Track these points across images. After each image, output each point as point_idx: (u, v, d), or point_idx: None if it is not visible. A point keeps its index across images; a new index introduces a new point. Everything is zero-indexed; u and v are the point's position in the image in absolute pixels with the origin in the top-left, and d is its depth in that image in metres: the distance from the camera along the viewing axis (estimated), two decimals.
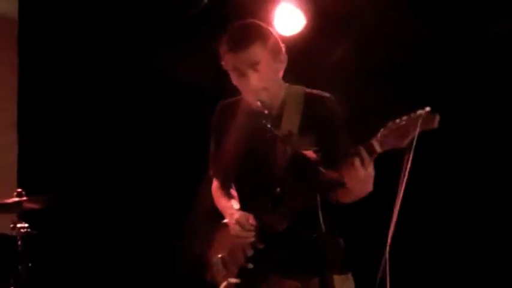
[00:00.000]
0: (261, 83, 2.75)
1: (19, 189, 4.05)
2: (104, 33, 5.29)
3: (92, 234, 5.00)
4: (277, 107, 2.84)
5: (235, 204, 2.97)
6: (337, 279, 2.64)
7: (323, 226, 2.39)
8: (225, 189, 3.10)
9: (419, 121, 2.22)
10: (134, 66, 5.29)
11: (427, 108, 2.23)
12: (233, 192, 3.07)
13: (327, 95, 2.88)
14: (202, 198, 4.41)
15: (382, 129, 2.37)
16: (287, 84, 2.93)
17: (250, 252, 2.78)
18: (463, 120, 4.41)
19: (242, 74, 2.77)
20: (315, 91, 2.90)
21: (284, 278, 2.76)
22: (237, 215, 2.83)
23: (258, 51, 2.74)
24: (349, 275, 2.83)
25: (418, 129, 2.21)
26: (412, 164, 2.21)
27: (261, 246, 2.75)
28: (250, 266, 2.78)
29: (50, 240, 4.69)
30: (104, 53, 5.31)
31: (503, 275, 4.45)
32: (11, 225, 3.99)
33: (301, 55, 4.33)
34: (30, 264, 3.95)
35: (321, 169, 2.43)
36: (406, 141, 2.26)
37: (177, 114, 5.33)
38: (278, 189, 2.70)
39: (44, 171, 4.94)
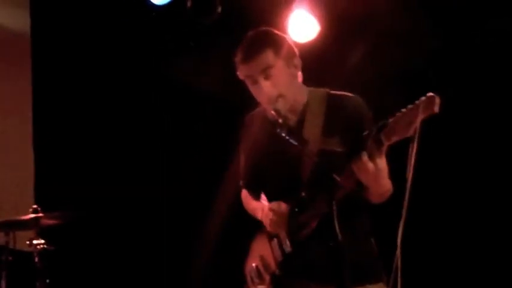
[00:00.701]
0: (274, 90, 2.74)
1: (35, 206, 4.02)
2: (118, 47, 5.30)
3: (108, 250, 5.03)
4: (299, 112, 2.84)
5: (265, 203, 2.99)
6: None
7: (339, 234, 2.36)
8: (255, 197, 3.13)
9: (421, 107, 2.18)
10: (149, 77, 5.29)
11: (428, 94, 2.19)
12: (263, 196, 3.08)
13: (352, 95, 2.86)
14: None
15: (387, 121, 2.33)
16: (310, 88, 2.92)
17: (280, 258, 2.78)
18: (478, 121, 4.45)
19: (254, 82, 2.78)
20: (339, 92, 2.89)
21: (314, 282, 2.75)
22: (266, 208, 2.86)
23: (268, 58, 2.75)
24: (381, 284, 2.77)
25: (420, 116, 2.17)
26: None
27: (288, 249, 2.74)
28: (278, 272, 2.78)
29: (67, 256, 4.68)
30: (118, 66, 5.31)
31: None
32: (28, 242, 3.95)
33: (317, 61, 4.33)
34: (48, 281, 3.92)
35: (336, 177, 2.42)
36: (411, 130, 2.21)
37: (192, 126, 5.31)
38: (303, 194, 2.70)
39: (61, 187, 4.94)
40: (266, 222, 2.86)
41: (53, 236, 4.00)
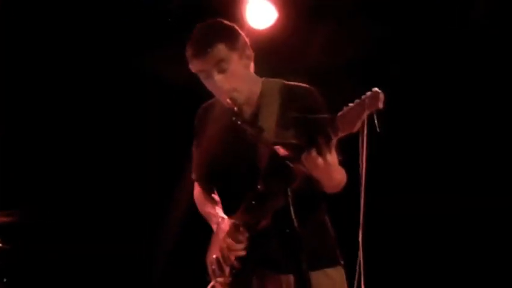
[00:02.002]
0: (228, 83, 2.71)
1: None
2: (84, 41, 5.18)
3: (66, 249, 4.96)
4: (254, 103, 2.81)
5: (220, 212, 2.95)
6: (325, 272, 2.72)
7: (295, 221, 2.37)
8: (207, 193, 3.08)
9: (366, 103, 2.18)
10: (119, 71, 5.22)
11: (374, 89, 2.19)
12: (216, 197, 3.04)
13: (306, 85, 2.84)
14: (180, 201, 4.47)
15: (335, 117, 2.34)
16: (264, 78, 2.89)
17: (241, 253, 2.75)
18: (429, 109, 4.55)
19: (208, 76, 2.74)
20: (293, 83, 2.87)
21: (275, 272, 2.75)
22: (225, 225, 2.82)
23: (220, 52, 2.70)
24: (339, 268, 2.82)
25: (366, 112, 2.17)
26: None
27: (245, 244, 2.72)
28: (236, 264, 2.75)
29: (24, 255, 4.62)
30: (85, 60, 5.21)
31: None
32: None
33: (276, 48, 4.32)
34: (5, 280, 3.85)
35: (289, 164, 2.41)
36: (357, 126, 2.22)
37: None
38: (259, 186, 2.67)
39: (15, 184, 4.85)
40: (223, 243, 2.80)
41: (8, 235, 3.94)
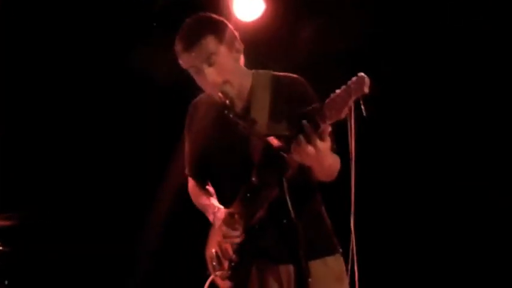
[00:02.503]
0: (219, 77, 2.70)
1: None
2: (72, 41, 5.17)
3: (65, 249, 4.96)
4: (245, 96, 2.81)
5: (215, 202, 2.96)
6: (324, 261, 2.74)
7: (292, 211, 2.35)
8: (201, 187, 3.09)
9: (352, 89, 2.16)
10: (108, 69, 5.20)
11: (359, 74, 2.17)
12: (210, 188, 3.05)
13: (295, 76, 2.84)
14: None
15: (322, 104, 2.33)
16: (253, 71, 2.89)
17: (235, 244, 2.77)
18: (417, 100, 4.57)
19: (198, 71, 2.74)
20: (282, 74, 2.86)
21: (274, 263, 2.76)
22: (221, 214, 2.83)
23: (209, 45, 2.70)
24: (338, 255, 2.82)
25: (352, 97, 2.15)
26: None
27: (242, 237, 2.73)
28: (235, 257, 2.77)
29: (25, 257, 4.63)
30: (75, 60, 5.21)
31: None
32: None
33: (263, 40, 4.32)
34: (6, 282, 3.87)
35: (284, 155, 2.40)
36: (344, 112, 2.21)
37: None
38: (254, 179, 2.67)
39: (14, 187, 4.85)
40: (219, 232, 2.82)
41: (8, 237, 3.96)
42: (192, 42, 2.70)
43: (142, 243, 5.00)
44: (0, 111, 5.05)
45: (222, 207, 2.87)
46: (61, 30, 5.06)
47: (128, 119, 5.26)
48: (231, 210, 2.79)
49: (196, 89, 2.90)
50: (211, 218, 2.91)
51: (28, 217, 4.02)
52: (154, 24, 4.98)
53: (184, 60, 2.75)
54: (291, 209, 2.36)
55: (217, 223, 2.83)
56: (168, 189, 4.72)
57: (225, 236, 2.76)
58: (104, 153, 5.24)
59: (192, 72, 2.78)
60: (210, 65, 2.70)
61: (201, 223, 3.01)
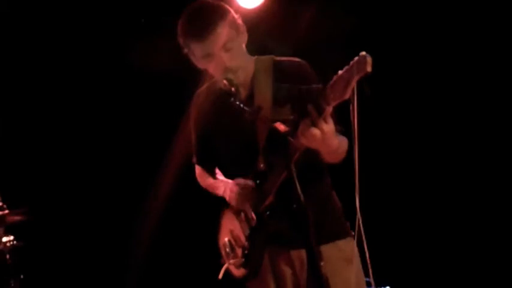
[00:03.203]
0: (234, 62, 2.70)
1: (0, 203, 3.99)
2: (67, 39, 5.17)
3: (77, 241, 5.05)
4: (249, 82, 2.81)
5: (223, 178, 2.98)
6: (335, 245, 2.76)
7: (301, 196, 2.34)
8: (209, 172, 3.11)
9: (354, 68, 2.14)
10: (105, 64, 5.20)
11: (361, 53, 2.14)
12: (218, 172, 3.08)
13: (297, 59, 2.83)
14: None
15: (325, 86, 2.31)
16: (255, 56, 2.88)
17: (247, 231, 2.79)
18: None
19: (212, 57, 2.71)
20: (284, 58, 2.86)
21: (286, 249, 2.78)
22: (231, 183, 2.85)
23: (223, 31, 2.67)
24: (349, 239, 2.82)
25: (355, 77, 2.13)
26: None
27: (253, 223, 2.75)
28: (247, 244, 2.78)
29: (38, 251, 4.66)
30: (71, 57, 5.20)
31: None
32: None
33: (265, 26, 4.31)
34: (22, 276, 3.90)
35: (290, 139, 2.39)
36: (348, 92, 2.18)
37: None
38: (262, 165, 2.69)
39: (26, 182, 4.89)
40: (231, 197, 2.85)
41: (22, 232, 3.96)
42: (206, 30, 2.66)
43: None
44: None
45: (232, 180, 2.88)
46: (57, 26, 5.05)
47: (126, 113, 5.27)
48: (240, 181, 2.80)
49: (191, 81, 2.91)
50: (221, 190, 2.93)
51: (39, 211, 4.02)
52: (142, 20, 4.94)
53: (197, 50, 2.72)
54: (300, 193, 2.34)
55: (229, 192, 2.85)
56: (167, 175, 4.81)
57: (239, 219, 2.79)
58: (101, 150, 5.27)
59: (204, 60, 2.74)
60: (227, 50, 2.68)
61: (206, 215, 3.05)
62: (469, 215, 4.61)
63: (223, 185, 2.94)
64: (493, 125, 4.61)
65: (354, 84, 2.14)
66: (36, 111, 5.17)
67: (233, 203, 2.85)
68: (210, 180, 3.07)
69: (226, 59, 2.68)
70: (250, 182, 2.75)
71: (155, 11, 4.93)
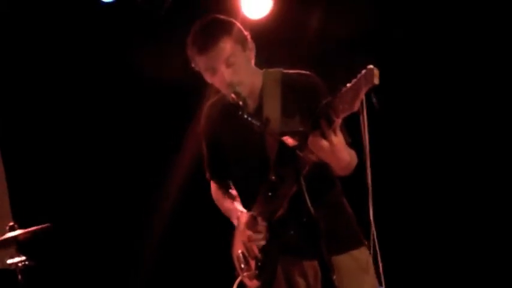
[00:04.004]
0: (236, 77, 2.72)
1: (11, 223, 4.01)
2: (74, 51, 5.17)
3: (89, 258, 5.05)
4: (257, 95, 2.83)
5: (239, 206, 2.98)
6: (350, 255, 2.77)
7: (311, 209, 2.36)
8: (224, 189, 3.11)
9: (362, 81, 2.16)
10: (111, 76, 5.20)
11: (369, 67, 2.17)
12: (233, 191, 3.07)
13: (305, 72, 2.84)
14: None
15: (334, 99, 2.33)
16: (263, 70, 2.90)
17: (262, 243, 2.78)
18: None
19: (216, 72, 2.74)
20: (292, 71, 2.87)
21: (299, 259, 2.78)
22: (244, 217, 2.85)
23: (226, 46, 2.71)
24: (363, 248, 2.82)
25: (363, 90, 2.15)
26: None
27: (266, 235, 2.75)
28: (260, 256, 2.78)
29: (49, 269, 4.66)
30: (78, 71, 5.22)
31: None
32: (8, 261, 3.93)
33: (272, 37, 4.31)
34: None
35: (299, 153, 2.41)
36: (357, 104, 2.20)
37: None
38: (273, 177, 2.68)
39: (37, 201, 4.91)
40: (244, 236, 2.84)
41: (33, 251, 3.97)
42: (209, 44, 2.71)
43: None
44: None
45: (245, 210, 2.89)
46: (61, 33, 5.07)
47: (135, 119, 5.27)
48: (253, 212, 2.80)
49: (199, 90, 2.91)
50: (235, 222, 2.94)
51: (50, 230, 4.02)
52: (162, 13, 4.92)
53: (200, 63, 2.77)
54: (310, 206, 2.36)
55: (241, 227, 2.85)
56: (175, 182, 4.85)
57: (250, 240, 2.78)
58: (106, 154, 5.26)
59: (207, 73, 2.78)
60: (228, 66, 2.72)
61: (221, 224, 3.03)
62: (481, 225, 4.57)
63: (236, 215, 2.94)
64: (504, 137, 4.55)
65: (362, 96, 2.17)
66: (47, 127, 5.19)
67: (245, 236, 2.84)
68: (226, 204, 3.07)
69: (227, 74, 2.71)
70: (259, 225, 2.75)
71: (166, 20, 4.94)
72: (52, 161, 5.17)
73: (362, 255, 2.80)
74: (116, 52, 5.09)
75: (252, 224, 2.78)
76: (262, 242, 2.74)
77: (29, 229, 4.00)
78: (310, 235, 2.37)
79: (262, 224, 2.74)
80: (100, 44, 5.11)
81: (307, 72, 2.84)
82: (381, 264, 2.28)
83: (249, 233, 2.77)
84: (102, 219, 5.15)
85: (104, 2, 4.77)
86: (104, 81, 5.20)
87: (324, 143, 2.36)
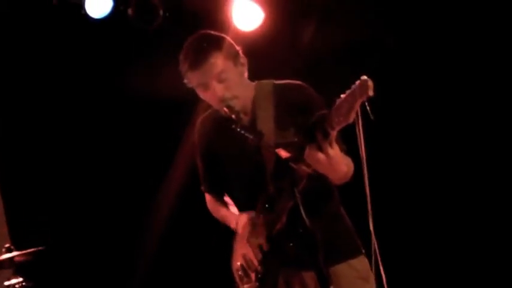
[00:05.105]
0: (229, 92, 2.74)
1: (7, 245, 4.00)
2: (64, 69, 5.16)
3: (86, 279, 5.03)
4: (250, 108, 2.83)
5: (235, 210, 2.99)
6: (348, 264, 2.77)
7: (307, 220, 2.39)
8: (218, 200, 3.12)
9: (356, 93, 2.15)
10: (104, 93, 5.19)
11: (362, 78, 2.16)
12: (227, 199, 3.08)
13: (297, 82, 2.85)
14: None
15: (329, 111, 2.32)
16: (256, 82, 2.90)
17: (259, 256, 2.78)
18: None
19: (207, 87, 2.75)
20: (284, 81, 2.88)
21: (298, 270, 2.76)
22: (242, 221, 2.86)
23: (217, 62, 2.73)
24: (362, 257, 2.83)
25: (358, 101, 2.15)
26: None
27: (265, 248, 2.74)
28: (260, 268, 2.78)
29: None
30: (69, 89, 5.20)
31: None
32: (5, 283, 3.91)
33: (265, 48, 4.31)
34: None
35: (292, 165, 2.43)
36: (352, 116, 2.20)
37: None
38: (271, 189, 2.69)
39: (34, 222, 4.90)
40: (243, 236, 2.86)
41: (30, 272, 3.95)
42: (200, 60, 2.72)
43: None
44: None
45: (242, 214, 2.89)
46: (53, 49, 5.06)
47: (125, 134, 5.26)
48: (252, 215, 2.81)
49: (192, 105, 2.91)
50: (233, 226, 2.94)
51: (46, 251, 4.01)
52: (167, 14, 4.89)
53: (193, 79, 2.77)
54: (305, 217, 2.38)
55: (241, 230, 2.86)
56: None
57: (250, 244, 2.79)
58: (100, 173, 5.24)
59: (200, 89, 2.79)
60: (220, 81, 2.72)
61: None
62: (480, 232, 4.55)
63: (234, 219, 2.95)
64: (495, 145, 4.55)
65: (357, 108, 2.16)
66: (42, 149, 5.18)
67: (245, 237, 2.86)
68: (222, 211, 3.08)
69: (218, 90, 2.72)
70: (259, 219, 2.76)
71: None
72: (49, 182, 5.15)
73: (361, 264, 2.81)
74: (108, 68, 5.08)
75: (252, 228, 2.79)
76: (264, 247, 2.72)
77: (25, 251, 3.99)
78: (307, 246, 2.40)
79: (261, 229, 2.74)
80: (92, 60, 5.10)
81: (299, 82, 2.84)
82: (383, 273, 2.26)
83: (250, 236, 2.78)
84: (98, 241, 5.13)
85: (95, 18, 4.76)
86: (96, 98, 5.18)
87: (321, 155, 2.36)
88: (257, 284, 2.80)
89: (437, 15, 4.48)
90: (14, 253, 3.95)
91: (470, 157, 4.57)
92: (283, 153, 2.45)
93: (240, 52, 2.83)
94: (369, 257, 2.36)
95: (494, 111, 4.50)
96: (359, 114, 2.17)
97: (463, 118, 4.56)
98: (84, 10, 4.72)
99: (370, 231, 2.26)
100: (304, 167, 2.41)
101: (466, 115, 4.55)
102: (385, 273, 2.26)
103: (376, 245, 2.22)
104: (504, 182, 4.50)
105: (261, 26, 4.56)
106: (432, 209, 4.64)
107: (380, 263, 2.24)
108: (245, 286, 2.85)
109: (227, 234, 3.01)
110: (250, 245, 2.85)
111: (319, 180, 2.57)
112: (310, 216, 2.39)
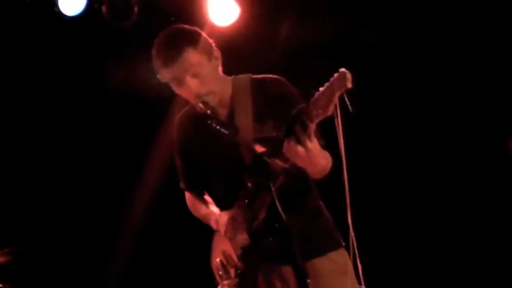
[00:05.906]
0: (204, 87, 2.71)
1: None
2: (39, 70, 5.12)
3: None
4: (228, 103, 2.82)
5: (215, 209, 2.98)
6: (328, 257, 2.77)
7: (283, 215, 2.40)
8: (198, 197, 3.11)
9: (335, 85, 2.16)
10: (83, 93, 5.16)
11: (341, 70, 2.17)
12: (207, 198, 3.07)
13: (275, 76, 2.83)
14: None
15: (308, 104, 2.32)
16: (233, 76, 2.88)
17: (239, 251, 2.78)
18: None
19: (181, 83, 2.72)
20: (261, 76, 2.86)
21: (277, 265, 2.75)
22: (223, 219, 2.85)
23: (190, 57, 2.69)
24: (341, 250, 2.83)
25: (336, 94, 2.16)
26: None
27: (246, 243, 2.74)
28: (240, 264, 2.78)
29: None
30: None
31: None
32: None
33: (241, 43, 4.30)
34: None
35: (267, 160, 2.43)
36: (331, 109, 2.20)
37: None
38: (249, 184, 2.69)
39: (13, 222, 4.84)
40: (224, 231, 2.84)
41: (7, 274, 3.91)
42: (173, 56, 2.68)
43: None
44: None
45: (222, 212, 2.88)
46: (26, 48, 5.00)
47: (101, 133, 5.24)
48: (232, 213, 2.79)
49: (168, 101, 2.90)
50: (214, 225, 2.93)
51: (26, 252, 3.98)
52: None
53: (166, 74, 2.73)
54: (282, 213, 2.38)
55: (222, 228, 2.84)
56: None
57: (231, 239, 2.78)
58: (77, 173, 5.23)
59: (173, 84, 2.76)
60: (194, 76, 2.69)
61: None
62: (457, 222, 4.60)
63: (215, 217, 2.93)
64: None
65: (336, 100, 2.16)
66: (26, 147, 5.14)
67: (227, 236, 2.84)
68: (202, 210, 3.07)
69: (193, 85, 2.69)
70: (240, 216, 2.75)
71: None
72: (23, 180, 5.11)
73: (340, 257, 2.80)
74: (83, 66, 5.04)
75: (232, 224, 2.78)
76: (246, 242, 2.72)
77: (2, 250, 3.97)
78: (283, 241, 2.40)
79: (242, 225, 2.73)
80: (66, 58, 5.05)
81: (276, 77, 2.82)
82: (360, 266, 2.28)
83: (231, 230, 2.77)
84: (73, 240, 5.12)
85: (69, 16, 4.71)
86: (71, 96, 5.14)
87: (300, 149, 2.34)
88: (237, 279, 2.79)
89: (417, 9, 4.50)
90: None
91: (448, 151, 4.61)
92: (259, 148, 2.45)
93: (214, 46, 2.79)
94: (349, 250, 2.38)
95: (471, 104, 4.55)
96: (338, 106, 2.17)
97: (442, 112, 4.60)
98: (58, 8, 4.67)
99: (348, 225, 2.28)
100: (280, 162, 2.40)
101: (445, 109, 4.59)
102: (364, 265, 2.28)
103: (353, 238, 2.23)
104: (480, 173, 4.56)
105: (238, 21, 4.54)
106: (411, 202, 4.69)
107: (357, 255, 2.25)
108: (224, 282, 2.84)
109: (205, 231, 3.00)
110: (230, 241, 2.84)
111: (297, 175, 2.56)
112: (288, 211, 2.39)
